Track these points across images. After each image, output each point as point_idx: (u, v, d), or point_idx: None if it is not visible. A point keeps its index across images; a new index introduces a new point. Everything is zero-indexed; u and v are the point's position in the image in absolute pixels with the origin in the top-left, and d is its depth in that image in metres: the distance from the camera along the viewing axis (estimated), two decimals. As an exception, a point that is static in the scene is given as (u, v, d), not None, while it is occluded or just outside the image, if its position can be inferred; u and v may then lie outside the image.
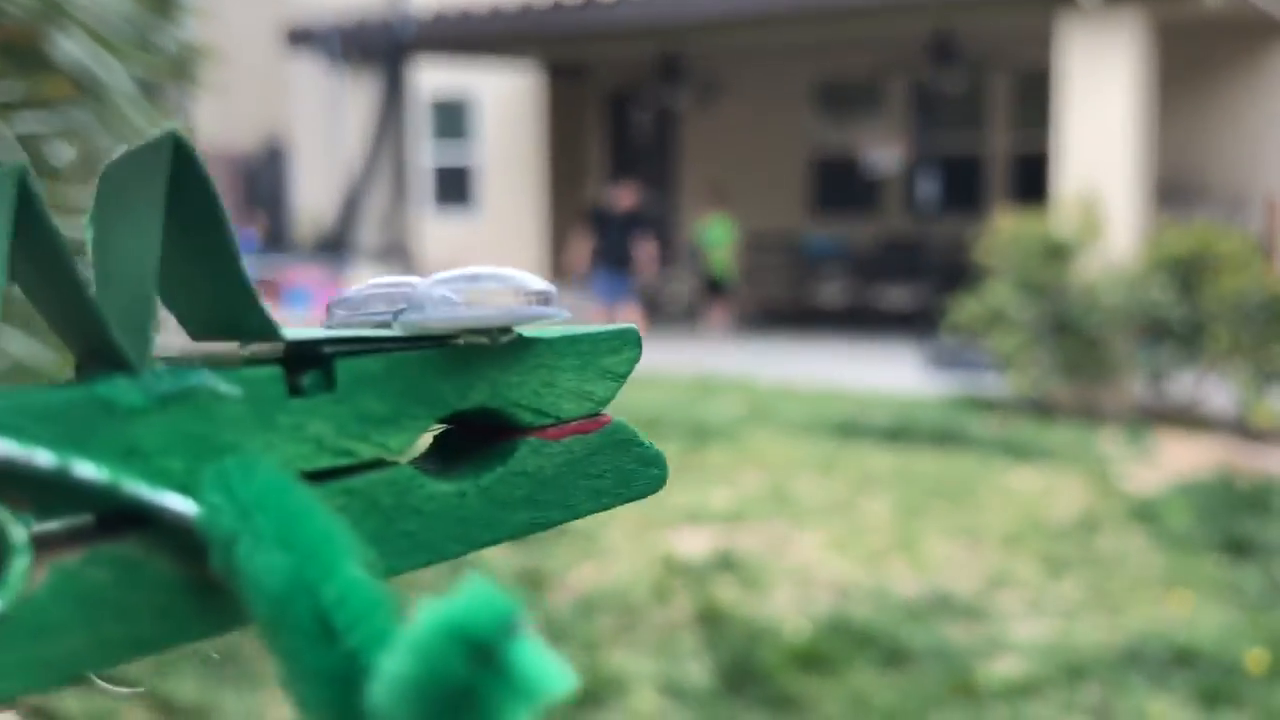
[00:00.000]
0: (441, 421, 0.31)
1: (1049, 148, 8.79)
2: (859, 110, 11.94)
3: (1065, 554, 4.27)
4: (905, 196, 11.49)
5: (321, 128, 12.12)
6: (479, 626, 0.22)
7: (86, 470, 0.25)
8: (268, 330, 0.29)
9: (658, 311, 11.40)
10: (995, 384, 7.30)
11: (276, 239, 12.92)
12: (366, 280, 0.33)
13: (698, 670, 3.18)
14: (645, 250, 10.01)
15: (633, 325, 0.34)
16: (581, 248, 9.92)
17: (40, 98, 1.19)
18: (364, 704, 0.23)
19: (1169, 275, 6.86)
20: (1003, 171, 11.09)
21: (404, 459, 0.31)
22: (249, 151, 14.23)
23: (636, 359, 0.34)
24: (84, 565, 0.26)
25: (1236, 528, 4.48)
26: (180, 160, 0.26)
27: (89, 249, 0.28)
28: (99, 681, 0.27)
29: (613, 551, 4.19)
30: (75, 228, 1.13)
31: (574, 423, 0.33)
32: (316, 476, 0.29)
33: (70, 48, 1.22)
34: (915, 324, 9.58)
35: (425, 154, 12.75)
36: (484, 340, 0.31)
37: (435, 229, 12.37)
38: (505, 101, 12.59)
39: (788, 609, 3.68)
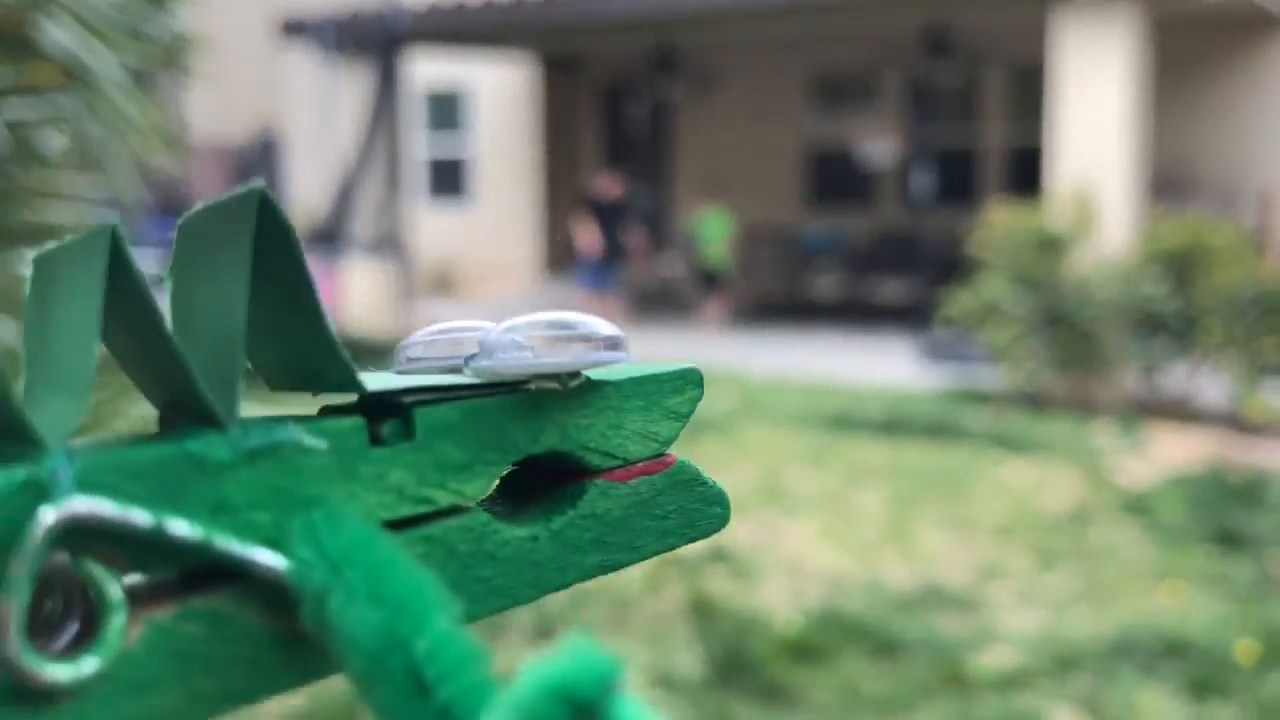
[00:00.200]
0: (512, 465, 0.31)
1: (1043, 141, 8.79)
2: (854, 103, 11.93)
3: (1057, 546, 4.28)
4: (900, 190, 11.49)
5: (315, 120, 12.11)
6: (582, 686, 0.22)
7: (181, 528, 0.25)
8: (349, 382, 0.29)
9: (652, 303, 11.40)
10: (989, 377, 7.31)
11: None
12: (431, 325, 0.33)
13: (689, 660, 3.18)
14: (634, 239, 10.05)
15: (694, 366, 0.34)
16: (590, 232, 9.96)
17: (29, 84, 1.19)
18: None
19: (1163, 269, 6.87)
20: (997, 165, 11.10)
21: (475, 504, 0.31)
22: (243, 143, 14.21)
23: (698, 399, 0.34)
24: (177, 620, 0.26)
25: (1228, 520, 4.49)
26: (264, 214, 0.27)
27: (168, 301, 0.28)
28: None
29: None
30: (66, 214, 1.13)
31: (640, 464, 0.33)
32: (394, 525, 0.29)
33: (59, 35, 1.21)
34: (909, 317, 9.59)
35: (419, 146, 12.74)
36: (554, 385, 0.31)
37: (429, 221, 12.36)
38: (500, 94, 12.58)
39: (779, 600, 3.69)
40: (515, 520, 0.31)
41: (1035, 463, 5.48)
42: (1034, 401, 6.94)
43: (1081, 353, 7.00)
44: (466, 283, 12.29)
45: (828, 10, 9.45)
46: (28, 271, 0.28)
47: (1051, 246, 7.15)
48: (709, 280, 10.78)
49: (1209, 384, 6.84)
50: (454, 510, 0.30)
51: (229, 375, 0.27)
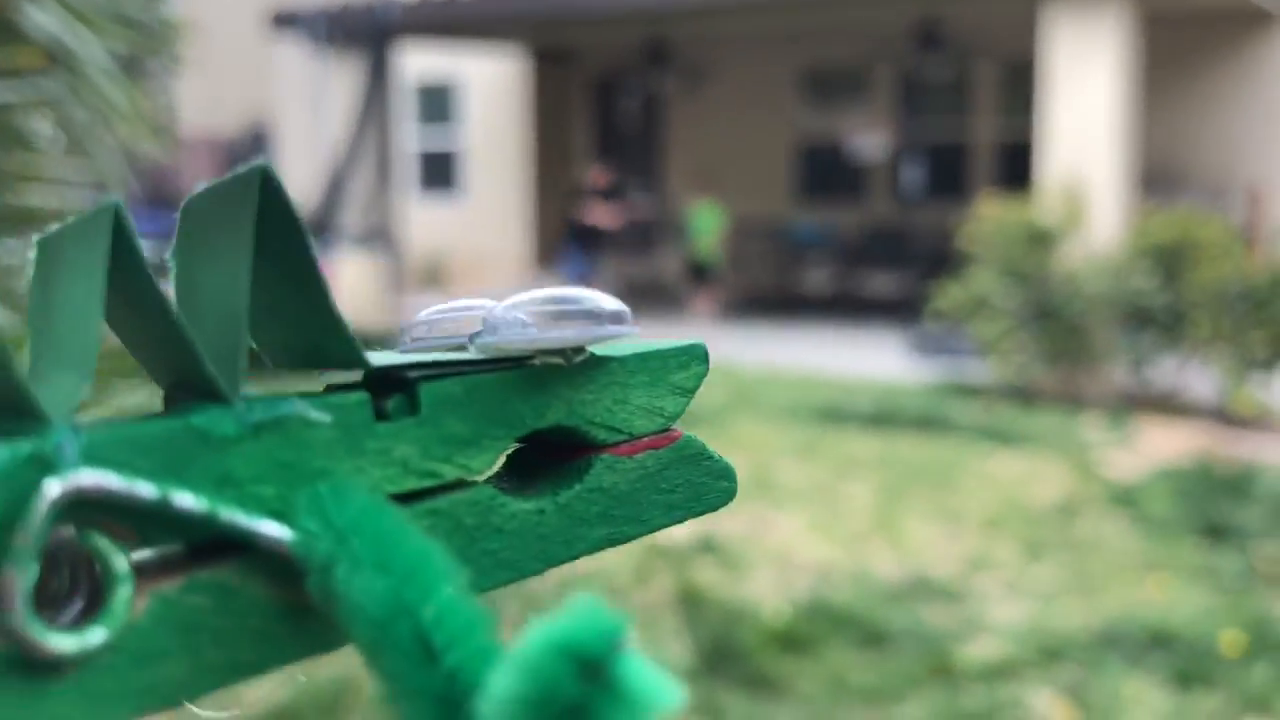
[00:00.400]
0: (518, 441, 0.32)
1: (1034, 136, 8.81)
2: (845, 97, 11.94)
3: (1045, 538, 4.29)
4: (891, 184, 11.50)
5: (306, 112, 12.08)
6: (588, 644, 0.22)
7: (185, 500, 0.25)
8: (354, 359, 0.29)
9: (642, 297, 11.40)
10: (978, 370, 7.33)
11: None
12: (435, 305, 0.33)
13: (678, 650, 3.19)
14: (604, 213, 10.07)
15: (701, 342, 0.34)
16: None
17: (11, 68, 1.19)
18: None
19: (1152, 263, 6.89)
20: (988, 159, 11.11)
21: (482, 479, 0.31)
22: (233, 136, 14.17)
23: (704, 374, 0.34)
24: (183, 592, 0.26)
25: (1215, 513, 4.51)
26: (267, 193, 0.27)
27: (172, 282, 0.29)
28: (193, 708, 0.27)
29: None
30: (50, 199, 1.12)
31: (646, 439, 0.33)
32: (400, 499, 0.29)
33: (42, 19, 1.21)
34: (899, 310, 9.60)
35: (410, 139, 12.72)
36: (559, 360, 0.31)
37: (420, 214, 12.35)
38: (491, 86, 12.56)
39: (768, 591, 3.70)
40: (521, 494, 0.31)
41: (1024, 455, 5.49)
42: (1023, 395, 6.95)
43: (1070, 346, 7.02)
44: (457, 276, 12.28)
45: (819, 4, 9.46)
46: (30, 254, 0.29)
47: (1041, 240, 7.17)
48: (699, 273, 10.79)
49: (1197, 378, 6.86)
50: (460, 484, 0.30)
51: (233, 352, 0.27)
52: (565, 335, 0.30)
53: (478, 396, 0.30)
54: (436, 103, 12.87)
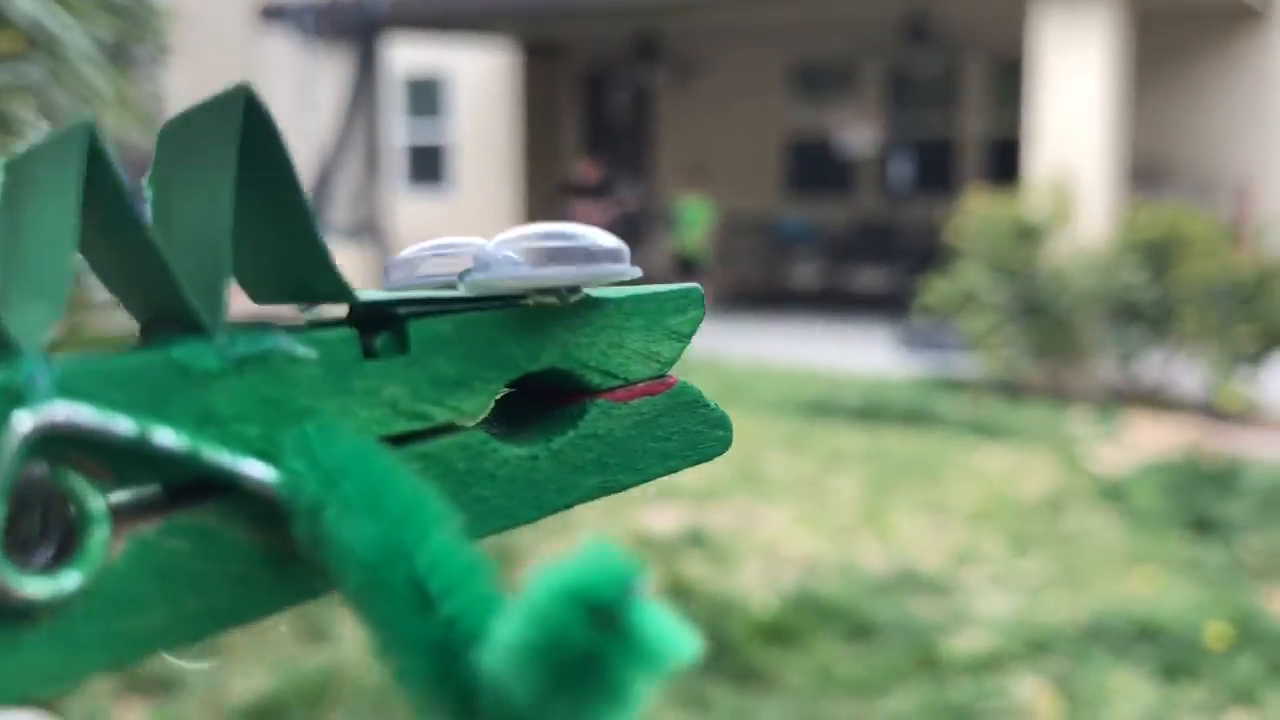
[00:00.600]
0: (510, 384, 0.30)
1: (1022, 130, 8.82)
2: (834, 92, 11.94)
3: (1032, 531, 4.30)
4: (879, 178, 11.51)
5: (294, 105, 12.04)
6: (599, 589, 0.21)
7: (166, 437, 0.24)
8: (341, 293, 0.27)
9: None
10: (966, 365, 7.34)
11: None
12: (420, 243, 0.32)
13: (664, 643, 3.18)
14: (589, 212, 10.07)
15: (697, 285, 0.34)
16: (590, 211, 9.98)
17: (-6, 51, 1.18)
18: (464, 673, 0.22)
19: (1139, 258, 6.90)
20: (976, 154, 11.12)
21: (473, 423, 0.30)
22: (221, 128, 14.13)
23: (700, 319, 0.33)
24: (161, 536, 0.25)
25: (1201, 507, 4.52)
26: (251, 115, 0.25)
27: (149, 209, 0.27)
28: (169, 657, 0.26)
29: (582, 527, 4.19)
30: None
31: (642, 384, 0.32)
32: (389, 442, 0.28)
33: (23, 2, 1.20)
34: (887, 305, 9.61)
35: (398, 132, 12.69)
36: (554, 300, 0.30)
37: (408, 207, 12.32)
38: (480, 80, 12.54)
39: (755, 584, 3.70)
40: (515, 440, 0.30)
41: (1011, 449, 5.50)
42: (1010, 389, 6.97)
43: (1058, 341, 7.03)
44: (445, 269, 12.25)
45: (808, -2, 9.45)
46: None
47: (1029, 235, 7.17)
48: (688, 268, 10.78)
49: (1184, 372, 6.88)
50: (451, 428, 0.29)
51: (214, 282, 0.25)
52: (562, 273, 0.29)
53: (469, 336, 0.29)
54: (425, 96, 12.84)
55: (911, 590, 3.66)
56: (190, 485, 0.25)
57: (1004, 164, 10.06)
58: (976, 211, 7.33)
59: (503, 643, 0.22)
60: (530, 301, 0.30)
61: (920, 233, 10.08)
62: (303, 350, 0.27)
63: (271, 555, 0.26)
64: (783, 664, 3.08)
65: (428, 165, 12.90)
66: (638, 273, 0.31)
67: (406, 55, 12.16)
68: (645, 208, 11.45)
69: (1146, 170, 9.36)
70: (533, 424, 0.31)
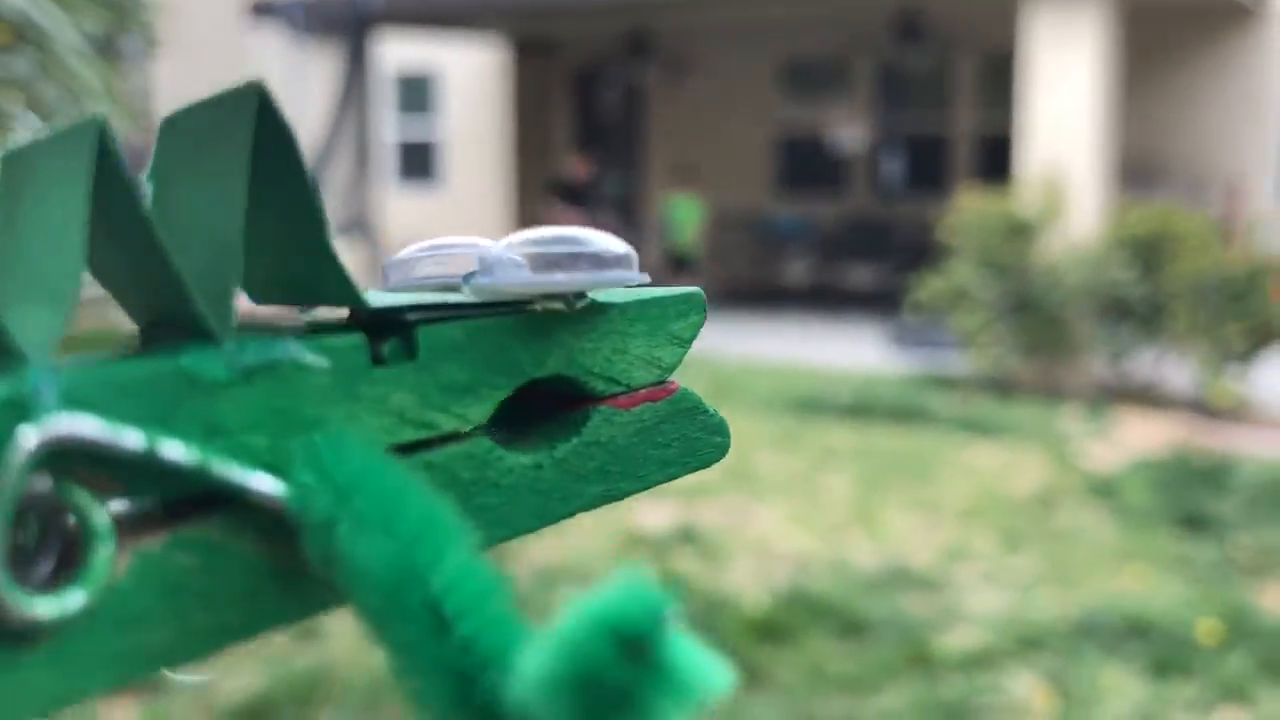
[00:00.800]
0: (516, 390, 0.30)
1: (1013, 128, 8.82)
2: (825, 89, 11.94)
3: (1023, 528, 4.30)
4: (870, 176, 11.51)
5: (284, 101, 11.99)
6: (631, 621, 0.21)
7: (175, 451, 0.23)
8: (349, 296, 0.27)
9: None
10: (957, 362, 7.34)
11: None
12: (419, 242, 0.31)
13: (656, 641, 3.18)
14: (600, 224, 10.09)
15: (699, 290, 0.33)
16: (568, 216, 9.97)
17: (-20, 43, 1.17)
18: (482, 696, 0.22)
19: (1130, 255, 6.91)
20: (967, 151, 11.13)
21: (477, 430, 0.29)
22: (211, 125, 14.10)
23: (701, 323, 0.33)
24: (167, 550, 0.24)
25: (1192, 504, 4.53)
26: (263, 114, 0.25)
27: (149, 204, 0.26)
28: (171, 674, 0.25)
29: (574, 524, 4.18)
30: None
31: (643, 391, 0.32)
32: (395, 450, 0.27)
33: (12, -5, 1.19)
34: (879, 302, 9.62)
35: (389, 129, 12.67)
36: (560, 306, 0.30)
37: (399, 204, 12.30)
38: (471, 77, 12.52)
39: (747, 581, 3.70)
40: (518, 447, 0.30)
41: (1002, 446, 5.51)
42: (1001, 386, 6.97)
43: (1049, 338, 7.04)
44: (436, 266, 12.24)
45: (799, -5, 9.45)
46: None
47: (1020, 232, 7.18)
48: (679, 265, 10.78)
49: (1175, 370, 6.90)
50: (455, 436, 0.28)
51: (223, 287, 0.25)
52: (572, 279, 0.28)
53: (478, 342, 0.28)
54: (416, 93, 12.82)
55: (903, 587, 3.66)
56: (197, 496, 0.25)
57: (995, 161, 10.07)
58: (967, 208, 7.34)
59: (534, 675, 0.21)
60: (538, 307, 0.29)
61: (911, 230, 10.08)
62: (312, 358, 0.26)
63: (278, 569, 0.25)
64: (774, 661, 3.08)
65: (418, 162, 12.88)
66: (646, 279, 0.30)
67: (397, 51, 12.14)
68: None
69: (1137, 167, 9.38)
70: (535, 431, 0.31)
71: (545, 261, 0.28)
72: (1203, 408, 6.49)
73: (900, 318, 8.22)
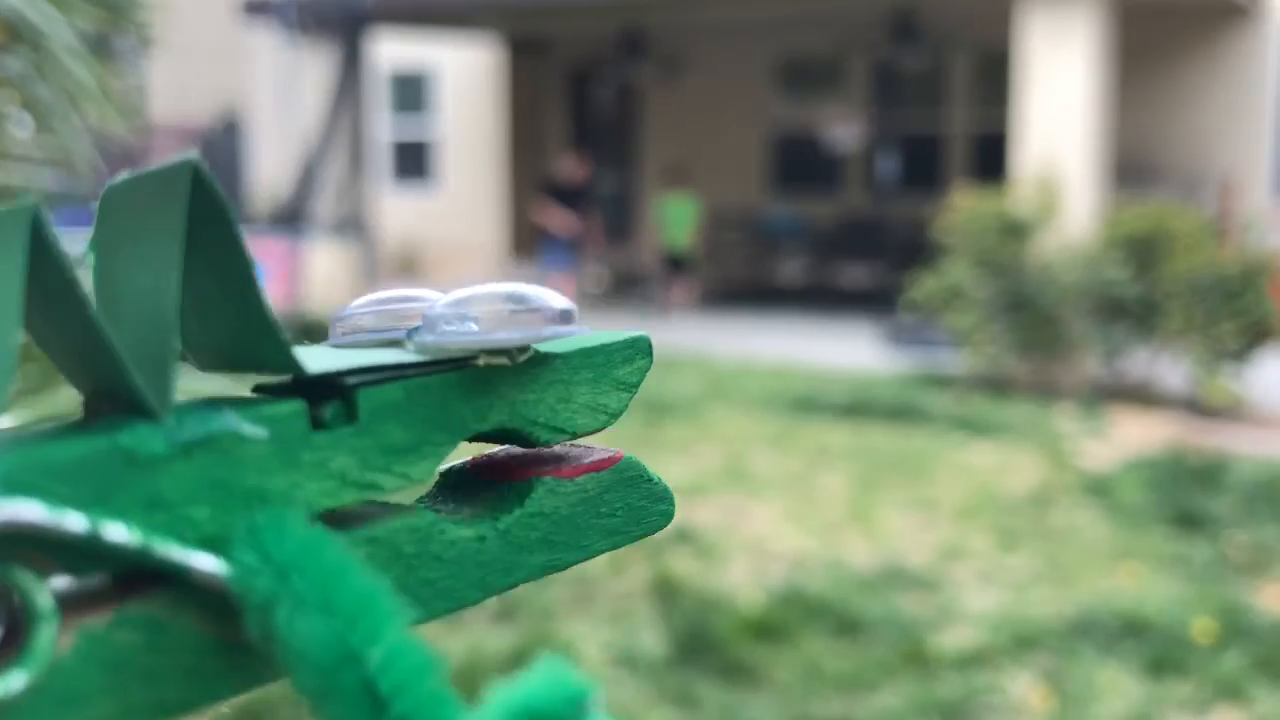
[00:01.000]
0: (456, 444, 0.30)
1: (1008, 127, 8.83)
2: (820, 88, 11.94)
3: (1018, 527, 4.31)
4: (865, 174, 11.52)
5: (278, 100, 12.00)
6: (553, 708, 0.21)
7: (118, 533, 0.23)
8: (288, 364, 0.27)
9: (618, 288, 11.38)
10: (952, 361, 7.34)
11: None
12: (366, 296, 0.31)
13: (652, 640, 3.18)
14: (591, 226, 10.08)
15: (645, 334, 0.33)
16: (559, 214, 9.97)
17: (-26, 42, 1.17)
18: None
19: (1125, 254, 6.92)
20: (962, 150, 11.14)
21: (420, 501, 0.30)
22: (205, 124, 14.07)
23: (647, 368, 0.33)
24: (111, 629, 0.24)
25: (1186, 502, 4.53)
26: (198, 186, 0.25)
27: (91, 277, 0.26)
28: None
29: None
30: (14, 175, 1.09)
31: (588, 463, 0.32)
32: (337, 523, 0.27)
33: (6, -7, 1.19)
34: (874, 301, 9.62)
35: (383, 128, 12.66)
36: (504, 360, 0.30)
37: (393, 203, 12.29)
38: (465, 76, 12.51)
39: (743, 580, 3.70)
40: (461, 520, 0.30)
41: (997, 445, 5.51)
42: (996, 385, 6.98)
43: (1044, 337, 7.05)
44: (431, 265, 12.23)
45: (794, -6, 9.45)
46: None
47: (1015, 231, 7.19)
48: (675, 265, 10.78)
49: (1169, 368, 6.90)
50: (398, 509, 0.29)
51: (161, 359, 0.25)
52: (511, 336, 0.29)
53: (419, 401, 0.29)
54: (410, 92, 12.81)
55: (899, 586, 3.66)
56: (141, 573, 0.25)
57: (990, 160, 10.08)
58: (962, 207, 7.34)
59: None
60: (480, 362, 0.30)
61: (907, 229, 10.09)
62: (250, 430, 0.26)
63: (221, 645, 0.25)
64: (770, 660, 3.08)
65: (413, 161, 12.87)
66: (587, 333, 0.31)
67: (391, 50, 12.12)
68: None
69: (1132, 166, 9.39)
70: (478, 499, 0.31)
71: (490, 318, 0.29)
72: (1198, 406, 6.50)
73: (895, 317, 8.23)
